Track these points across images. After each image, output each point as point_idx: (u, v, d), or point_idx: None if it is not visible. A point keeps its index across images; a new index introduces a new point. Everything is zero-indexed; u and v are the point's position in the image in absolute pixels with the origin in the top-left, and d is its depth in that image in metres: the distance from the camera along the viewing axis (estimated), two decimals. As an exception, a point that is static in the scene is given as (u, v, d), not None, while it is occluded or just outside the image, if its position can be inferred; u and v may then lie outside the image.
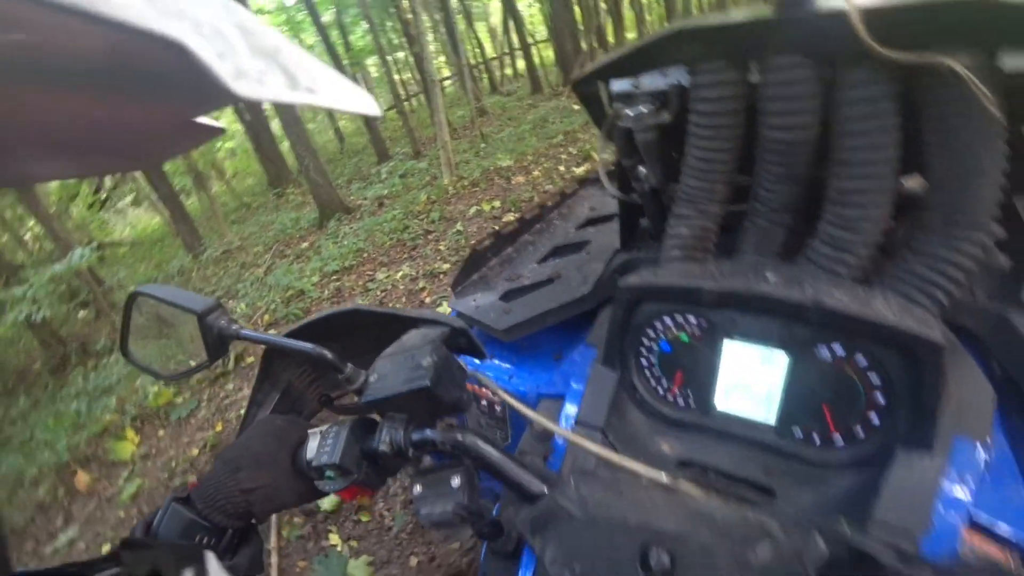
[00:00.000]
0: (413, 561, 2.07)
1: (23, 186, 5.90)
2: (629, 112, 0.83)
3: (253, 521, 0.68)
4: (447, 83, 19.06)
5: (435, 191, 6.40)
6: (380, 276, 4.56)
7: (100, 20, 0.20)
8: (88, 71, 0.29)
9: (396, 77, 17.07)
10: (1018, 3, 0.53)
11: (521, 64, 15.75)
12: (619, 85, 0.84)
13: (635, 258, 1.05)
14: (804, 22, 0.64)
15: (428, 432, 0.66)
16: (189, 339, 0.78)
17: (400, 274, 4.41)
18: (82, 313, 7.87)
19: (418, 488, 0.66)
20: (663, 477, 0.62)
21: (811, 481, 0.71)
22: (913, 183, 0.75)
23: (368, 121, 11.64)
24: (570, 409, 0.86)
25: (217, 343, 0.74)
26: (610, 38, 13.30)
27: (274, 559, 2.26)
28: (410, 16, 7.22)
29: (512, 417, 1.12)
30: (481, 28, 22.29)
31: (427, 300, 3.81)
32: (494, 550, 0.74)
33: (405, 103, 15.00)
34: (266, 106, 11.55)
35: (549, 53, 14.70)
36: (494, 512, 0.75)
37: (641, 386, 0.85)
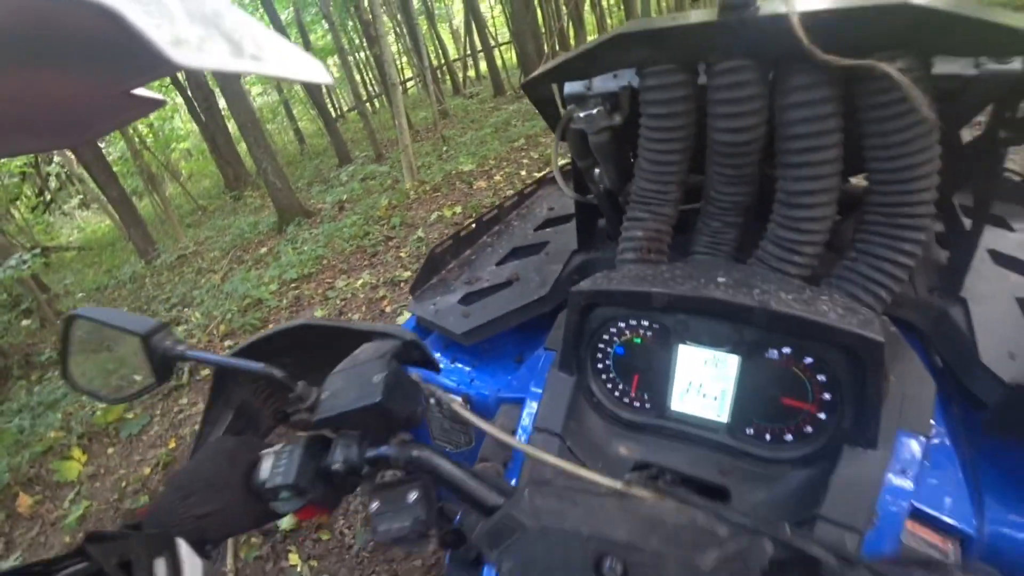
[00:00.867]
0: (374, 578, 2.06)
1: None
2: (581, 114, 0.85)
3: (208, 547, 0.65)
4: (410, 84, 18.89)
5: (396, 196, 6.36)
6: (340, 284, 4.51)
7: None
8: (10, 42, 0.27)
9: (357, 77, 16.82)
10: (947, 11, 0.57)
11: (484, 66, 15.71)
12: (572, 87, 0.85)
13: (593, 258, 1.07)
14: (747, 26, 0.66)
15: (383, 448, 0.65)
16: (133, 361, 0.77)
17: (360, 282, 4.37)
18: (25, 322, 7.49)
19: (375, 505, 0.64)
20: (617, 485, 0.62)
21: (764, 479, 0.73)
22: (860, 182, 0.79)
23: (328, 122, 11.45)
24: (530, 413, 0.86)
25: (163, 365, 0.73)
26: (572, 41, 13.41)
27: (230, 581, 2.22)
28: (371, 16, 7.14)
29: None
30: (444, 30, 22.15)
31: (387, 309, 3.80)
32: (456, 559, 0.74)
33: (367, 104, 14.80)
34: (222, 105, 11.22)
35: (512, 55, 14.73)
36: (456, 521, 0.75)
37: (598, 390, 0.86)
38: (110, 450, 3.53)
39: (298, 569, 2.19)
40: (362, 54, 19.20)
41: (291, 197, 7.59)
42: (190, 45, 0.23)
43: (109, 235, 14.20)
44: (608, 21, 17.73)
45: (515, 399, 0.96)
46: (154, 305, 6.46)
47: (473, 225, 1.45)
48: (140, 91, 0.44)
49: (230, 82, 7.11)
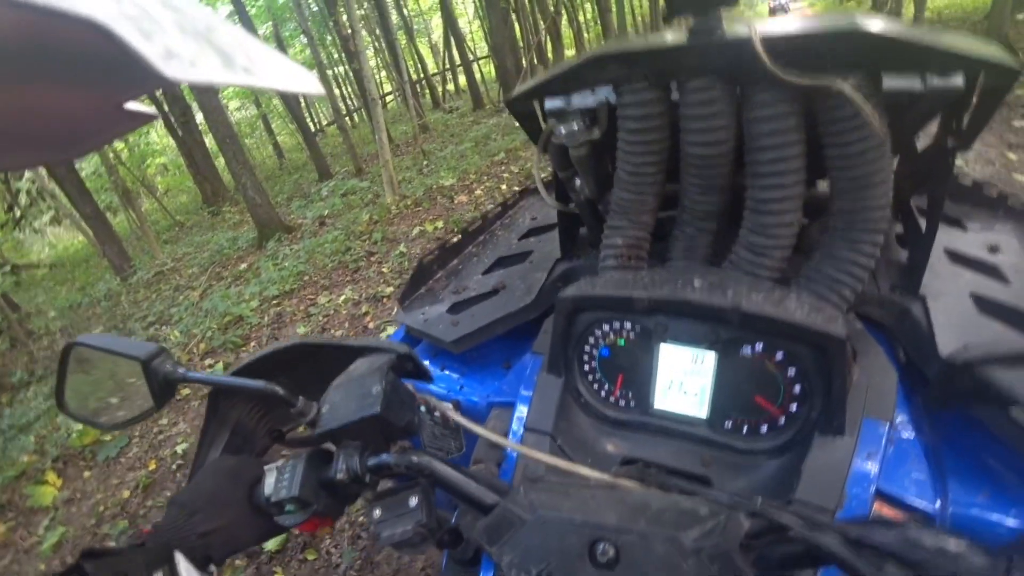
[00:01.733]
0: (360, 595, 2.06)
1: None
2: (562, 129, 0.88)
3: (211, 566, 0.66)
4: (390, 98, 18.91)
5: (377, 211, 6.37)
6: (322, 300, 4.51)
7: (9, 1, 0.18)
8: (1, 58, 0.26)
9: (337, 92, 16.81)
10: (892, 36, 0.63)
11: (464, 80, 15.83)
12: (552, 103, 0.89)
13: (576, 266, 1.11)
14: (714, 49, 0.71)
15: (383, 456, 0.67)
16: (133, 387, 0.78)
17: (343, 298, 4.37)
18: (-6, 344, 7.30)
19: (377, 512, 0.66)
20: (606, 477, 0.66)
21: (742, 468, 0.78)
22: (824, 187, 0.84)
23: (308, 137, 11.42)
24: (520, 415, 0.89)
25: (163, 388, 0.74)
26: (550, 55, 13.60)
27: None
28: (350, 31, 7.18)
29: (464, 429, 1.15)
30: (423, 44, 22.28)
31: (371, 325, 3.81)
32: (455, 558, 0.76)
33: (347, 118, 14.79)
34: (200, 120, 11.12)
35: (491, 69, 14.87)
36: (452, 520, 0.78)
37: (585, 390, 0.90)
38: (87, 473, 3.46)
39: (284, 589, 2.18)
40: (341, 68, 19.19)
41: (271, 212, 7.54)
42: (182, 59, 0.23)
43: (82, 252, 13.90)
44: (585, 35, 18.01)
45: (505, 403, 0.99)
46: (131, 323, 6.35)
47: (459, 236, 1.49)
48: (132, 105, 0.44)
49: (208, 96, 7.06)
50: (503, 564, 0.58)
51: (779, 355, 0.75)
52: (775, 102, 0.73)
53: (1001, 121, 5.18)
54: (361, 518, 2.34)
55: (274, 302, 4.78)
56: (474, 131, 10.24)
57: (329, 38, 15.19)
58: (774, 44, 0.66)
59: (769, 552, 0.51)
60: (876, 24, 0.64)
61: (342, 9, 8.63)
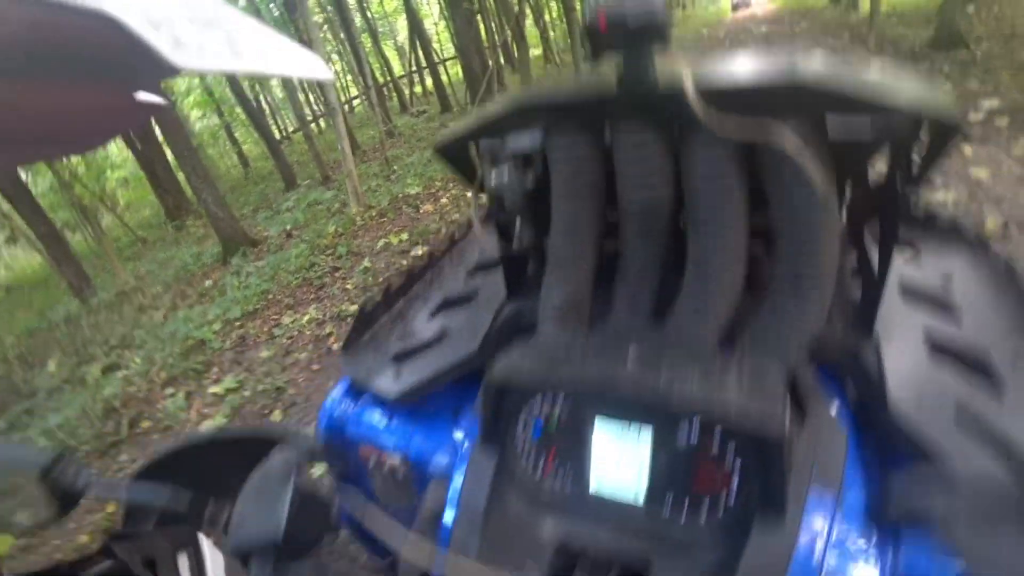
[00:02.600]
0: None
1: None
2: (493, 175, 0.85)
3: None
4: (356, 102, 18.64)
5: (343, 222, 6.27)
6: (286, 320, 4.41)
7: None
8: (11, 54, 0.26)
9: (302, 97, 16.52)
10: (826, 84, 0.61)
11: (431, 82, 15.70)
12: (486, 143, 0.86)
13: (523, 307, 1.06)
14: (646, 99, 0.68)
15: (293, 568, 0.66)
16: (30, 496, 0.73)
17: (307, 318, 4.28)
18: (-53, 375, 7.00)
19: None
20: None
21: (681, 555, 0.73)
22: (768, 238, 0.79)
23: (272, 145, 11.21)
24: (456, 487, 0.85)
25: (65, 499, 0.70)
26: (516, 53, 13.57)
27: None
28: (308, 39, 7.04)
29: (414, 482, 1.11)
30: (389, 46, 22.03)
31: (335, 347, 3.73)
32: None
33: (313, 124, 14.55)
34: (158, 132, 10.83)
35: (458, 70, 14.77)
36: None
37: (518, 468, 0.85)
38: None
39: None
40: (306, 73, 18.82)
41: (235, 226, 7.38)
42: (190, 47, 0.23)
43: (41, 273, 13.41)
44: (551, 34, 18.01)
45: (446, 470, 0.96)
46: (92, 348, 6.14)
47: (405, 275, 1.44)
48: (143, 95, 0.44)
49: (164, 110, 6.88)
50: None
51: (717, 434, 0.71)
52: (713, 152, 0.70)
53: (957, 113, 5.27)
54: None
55: (237, 324, 4.67)
56: (442, 135, 10.14)
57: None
58: (710, 95, 0.62)
59: None
60: (816, 73, 0.61)
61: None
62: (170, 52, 0.22)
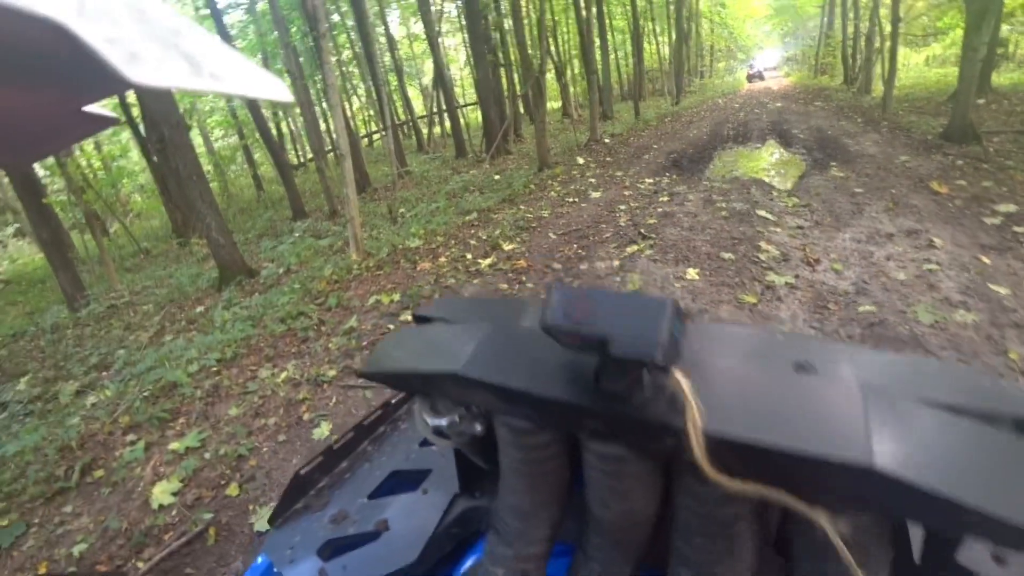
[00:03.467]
0: None
1: None
2: (442, 421, 0.75)
3: None
4: (376, 136, 18.98)
5: (339, 268, 6.23)
6: (263, 374, 4.29)
7: None
8: None
9: (324, 126, 16.84)
10: (917, 484, 0.43)
11: (450, 125, 16.02)
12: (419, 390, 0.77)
13: (475, 506, 0.96)
14: (628, 419, 0.54)
15: None
16: None
17: (284, 375, 4.17)
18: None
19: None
20: None
21: None
22: None
23: (285, 175, 11.33)
24: None
25: None
26: (535, 106, 13.85)
27: None
28: (324, 87, 7.19)
29: None
30: (414, 87, 22.59)
31: (306, 417, 3.61)
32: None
33: (330, 154, 14.77)
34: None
35: (478, 115, 15.05)
36: None
37: None
38: (-28, 567, 3.16)
39: None
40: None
41: (235, 254, 7.37)
42: (146, 63, 0.23)
43: (41, 270, 13.44)
44: (572, 89, 18.42)
45: None
46: (71, 364, 6.06)
47: (352, 431, 1.34)
48: (92, 108, 0.44)
49: (176, 132, 6.98)
50: None
51: None
52: (712, 494, 0.56)
53: (972, 217, 5.23)
54: None
55: (214, 370, 4.55)
56: (452, 183, 10.25)
57: (318, 76, 15.30)
58: (719, 445, 0.48)
59: None
60: (895, 458, 0.43)
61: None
62: (124, 66, 0.21)
